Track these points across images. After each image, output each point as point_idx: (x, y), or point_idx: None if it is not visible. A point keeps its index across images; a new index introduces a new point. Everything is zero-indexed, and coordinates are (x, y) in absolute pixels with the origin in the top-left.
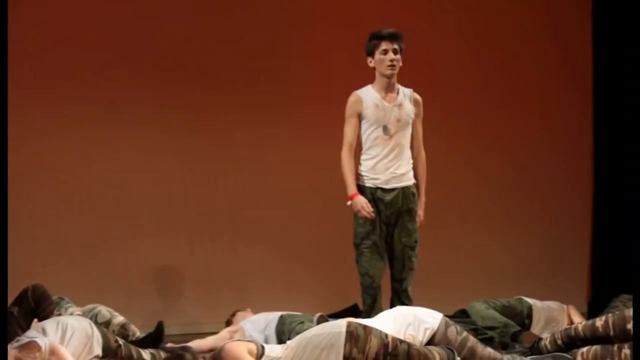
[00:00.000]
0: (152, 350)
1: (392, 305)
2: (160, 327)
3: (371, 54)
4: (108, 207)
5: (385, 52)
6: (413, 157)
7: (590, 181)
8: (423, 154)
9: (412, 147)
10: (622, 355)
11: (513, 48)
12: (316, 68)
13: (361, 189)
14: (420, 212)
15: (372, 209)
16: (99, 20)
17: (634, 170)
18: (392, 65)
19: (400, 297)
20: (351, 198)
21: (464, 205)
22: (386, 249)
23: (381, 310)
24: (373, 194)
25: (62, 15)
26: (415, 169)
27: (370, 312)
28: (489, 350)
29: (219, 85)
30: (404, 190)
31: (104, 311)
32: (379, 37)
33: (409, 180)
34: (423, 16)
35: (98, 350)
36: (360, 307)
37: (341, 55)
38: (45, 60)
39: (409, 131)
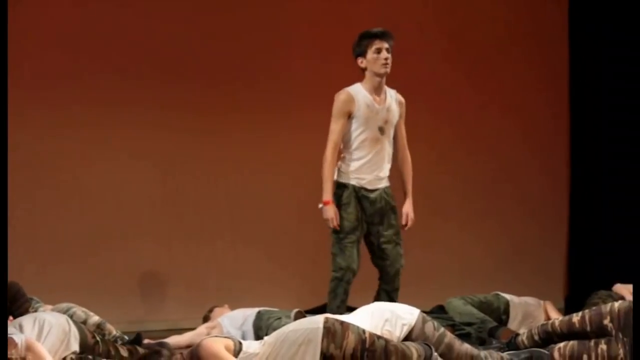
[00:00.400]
0: (129, 347)
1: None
2: (138, 337)
3: (362, 53)
4: (99, 208)
5: (379, 50)
6: (399, 159)
7: (566, 179)
8: (408, 154)
9: (396, 148)
10: (599, 351)
11: (490, 48)
12: (316, 68)
13: (345, 186)
14: (411, 213)
15: (338, 223)
16: (99, 21)
17: (609, 168)
18: (386, 64)
19: (392, 297)
20: (325, 204)
21: (442, 203)
22: (374, 253)
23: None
24: (357, 192)
25: (60, 16)
26: (401, 169)
27: (344, 304)
28: (466, 346)
29: (219, 85)
30: (385, 190)
31: (79, 312)
32: (371, 36)
33: (387, 182)
34: (405, 18)
35: (75, 347)
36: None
37: (341, 56)
38: (44, 60)
39: (392, 134)
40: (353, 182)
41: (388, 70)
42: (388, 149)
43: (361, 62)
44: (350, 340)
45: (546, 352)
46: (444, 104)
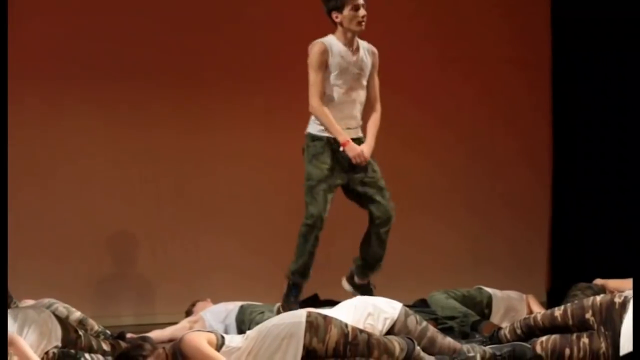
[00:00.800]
0: (112, 341)
1: (366, 244)
2: (122, 334)
3: (339, 8)
4: (83, 203)
5: (357, 7)
6: (368, 107)
7: (549, 173)
8: (379, 105)
9: (369, 98)
10: (581, 344)
11: (472, 43)
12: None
13: (319, 138)
14: (366, 152)
15: (368, 156)
16: (88, 20)
17: (592, 163)
18: (363, 21)
19: (381, 240)
20: (344, 145)
21: (425, 197)
22: (358, 198)
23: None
24: (332, 144)
25: (50, 17)
26: (370, 116)
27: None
28: (449, 340)
29: (204, 81)
30: (358, 140)
31: (61, 308)
32: None
33: (360, 132)
34: (392, 13)
35: (57, 341)
36: (320, 297)
37: None
38: (31, 59)
39: (365, 86)
40: (326, 133)
41: (363, 28)
42: (362, 99)
43: (336, 17)
44: (333, 334)
45: (529, 346)
46: (427, 98)
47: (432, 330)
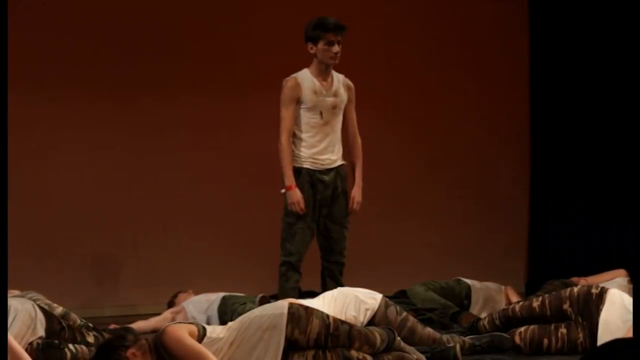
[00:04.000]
0: (95, 333)
1: (325, 285)
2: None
3: (314, 41)
4: (56, 194)
5: (331, 43)
6: (349, 144)
7: (527, 168)
8: (359, 140)
9: (347, 134)
10: (559, 334)
11: (452, 43)
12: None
13: (299, 171)
14: (358, 197)
15: (303, 206)
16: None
17: (570, 159)
18: (336, 57)
19: (336, 277)
20: (288, 189)
21: (404, 191)
22: (319, 231)
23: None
24: (311, 176)
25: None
26: (351, 155)
27: (297, 285)
28: (429, 330)
29: (179, 66)
30: (338, 170)
31: (42, 304)
32: (325, 28)
33: (341, 161)
34: (368, 13)
35: (41, 332)
36: (302, 288)
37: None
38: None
39: (341, 117)
40: (306, 165)
41: (336, 62)
42: (338, 132)
43: (311, 48)
44: (315, 325)
45: (507, 336)
46: (405, 97)
47: (412, 320)
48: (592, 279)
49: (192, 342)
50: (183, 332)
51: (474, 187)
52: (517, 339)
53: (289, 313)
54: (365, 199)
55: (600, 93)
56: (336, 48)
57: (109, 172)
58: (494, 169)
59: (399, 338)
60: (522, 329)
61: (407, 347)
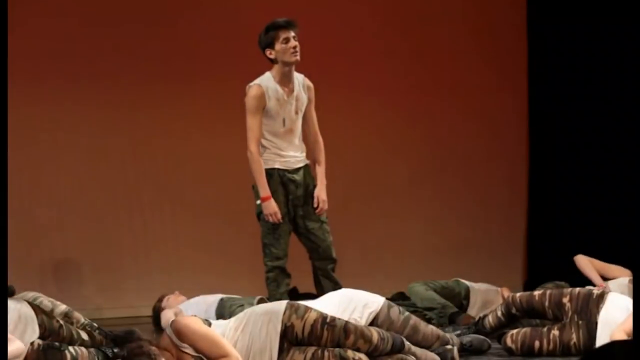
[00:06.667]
0: (99, 333)
1: (321, 287)
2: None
3: (270, 45)
4: (38, 192)
5: (287, 40)
6: (310, 143)
7: (525, 168)
8: (320, 139)
9: (308, 134)
10: (551, 336)
11: (447, 42)
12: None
13: (270, 174)
14: (322, 195)
15: (280, 217)
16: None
17: (568, 158)
18: (296, 52)
19: (330, 276)
20: (264, 200)
21: (401, 193)
22: (301, 233)
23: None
24: (282, 177)
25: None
26: (314, 154)
27: (287, 290)
28: (432, 327)
29: (158, 60)
30: (306, 168)
31: (46, 301)
32: (277, 27)
33: (306, 160)
34: (361, 11)
35: (36, 330)
36: (299, 290)
37: None
38: None
39: (301, 119)
40: (277, 165)
41: (298, 58)
42: (298, 132)
43: (270, 53)
44: (312, 314)
45: (487, 340)
46: (400, 97)
47: (414, 319)
48: (599, 265)
49: (203, 326)
50: (191, 319)
51: (473, 188)
52: (508, 341)
53: (288, 304)
54: (364, 201)
55: (598, 93)
56: (293, 42)
57: (110, 170)
58: (492, 171)
59: (408, 344)
60: (514, 331)
61: (419, 352)
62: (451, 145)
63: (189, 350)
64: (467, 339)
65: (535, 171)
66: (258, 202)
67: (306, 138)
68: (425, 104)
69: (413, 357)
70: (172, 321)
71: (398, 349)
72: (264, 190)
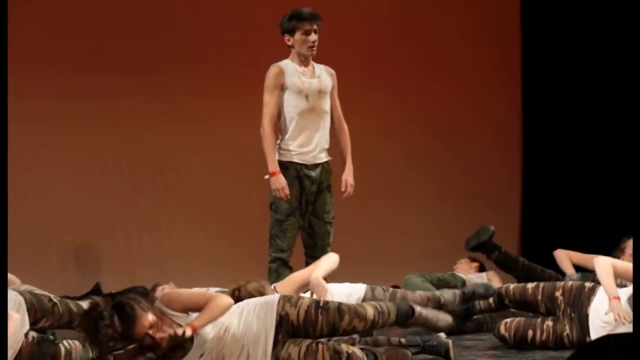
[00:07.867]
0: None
1: None
2: (97, 287)
3: (291, 32)
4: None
5: (308, 32)
6: (336, 129)
7: (519, 160)
8: (345, 125)
9: (333, 119)
10: (545, 327)
11: (444, 31)
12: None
13: (286, 166)
14: (350, 179)
15: (288, 192)
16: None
17: (562, 150)
18: (313, 47)
19: None
20: (272, 175)
21: (400, 185)
22: (304, 228)
23: None
24: (299, 171)
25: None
26: (339, 140)
27: None
28: (419, 292)
29: (152, 67)
30: (324, 166)
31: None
32: (300, 18)
33: (328, 157)
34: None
35: (26, 317)
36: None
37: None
38: None
39: (328, 102)
40: (295, 159)
41: (314, 53)
42: (326, 121)
43: (288, 40)
44: (305, 300)
45: (492, 286)
46: (399, 87)
47: (400, 291)
48: (578, 257)
49: (189, 290)
50: (175, 289)
51: (467, 182)
52: (502, 329)
53: (281, 295)
54: (361, 192)
55: (591, 83)
56: (313, 37)
57: (104, 171)
58: (487, 163)
59: (419, 309)
60: (509, 320)
61: (431, 314)
62: (446, 137)
63: (180, 320)
64: (469, 289)
65: (529, 163)
66: (267, 176)
67: (332, 124)
68: (423, 100)
69: (408, 352)
70: (161, 295)
71: (405, 316)
72: (273, 165)
